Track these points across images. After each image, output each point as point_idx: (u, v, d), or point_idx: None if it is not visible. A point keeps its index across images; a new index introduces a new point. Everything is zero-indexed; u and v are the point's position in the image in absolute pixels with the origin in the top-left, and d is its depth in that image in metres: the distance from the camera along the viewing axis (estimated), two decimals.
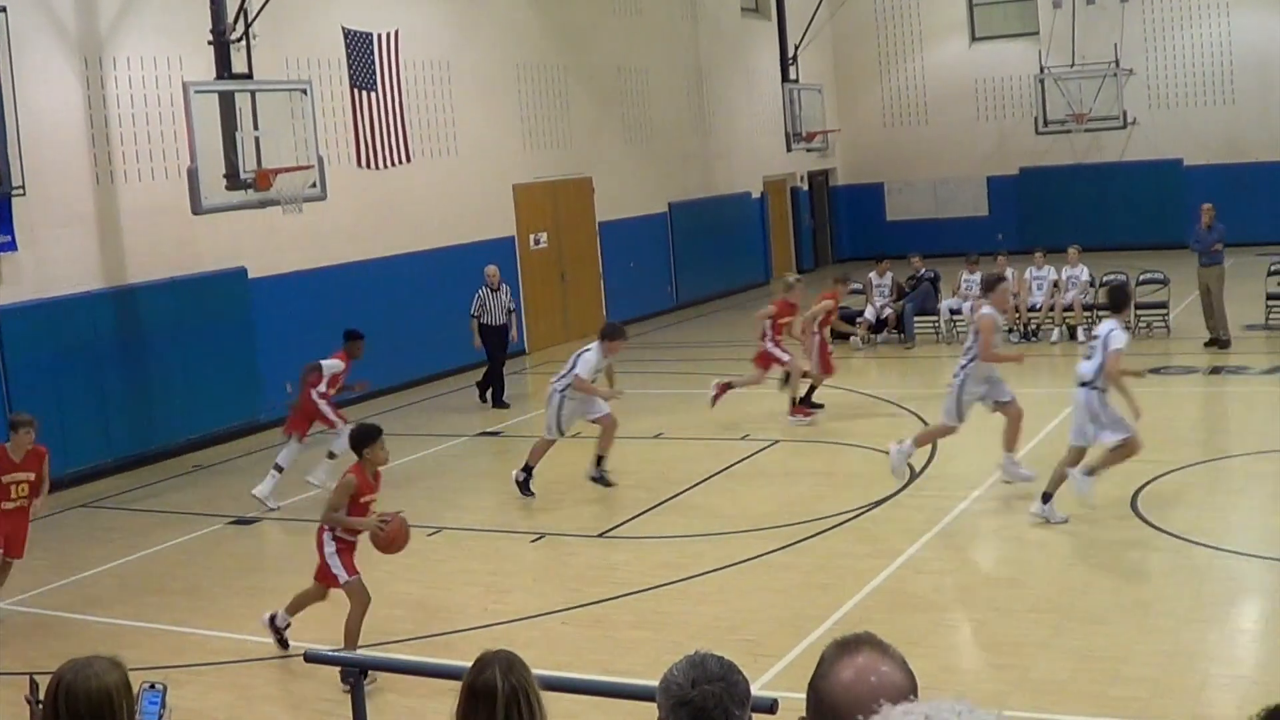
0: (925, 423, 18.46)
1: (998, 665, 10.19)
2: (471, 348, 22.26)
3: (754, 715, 3.72)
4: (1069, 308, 24.67)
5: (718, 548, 13.52)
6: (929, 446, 16.01)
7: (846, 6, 39.03)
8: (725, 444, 18.04)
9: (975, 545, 13.69)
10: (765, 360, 19.45)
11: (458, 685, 4.75)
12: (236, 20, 19.14)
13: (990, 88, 39.97)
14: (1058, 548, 12.93)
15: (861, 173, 42.14)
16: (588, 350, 15.98)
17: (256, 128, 18.73)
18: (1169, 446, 14.47)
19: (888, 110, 41.58)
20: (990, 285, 15.18)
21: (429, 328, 23.94)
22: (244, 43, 19.26)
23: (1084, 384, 13.36)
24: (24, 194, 17.47)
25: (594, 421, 16.08)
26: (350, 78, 23.18)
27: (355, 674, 7.71)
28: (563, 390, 15.92)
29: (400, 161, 24.28)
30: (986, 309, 14.83)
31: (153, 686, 4.93)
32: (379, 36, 23.60)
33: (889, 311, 26.07)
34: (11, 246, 17.60)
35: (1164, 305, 24.63)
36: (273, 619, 11.23)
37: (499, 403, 21.96)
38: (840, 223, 42.31)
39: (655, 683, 3.60)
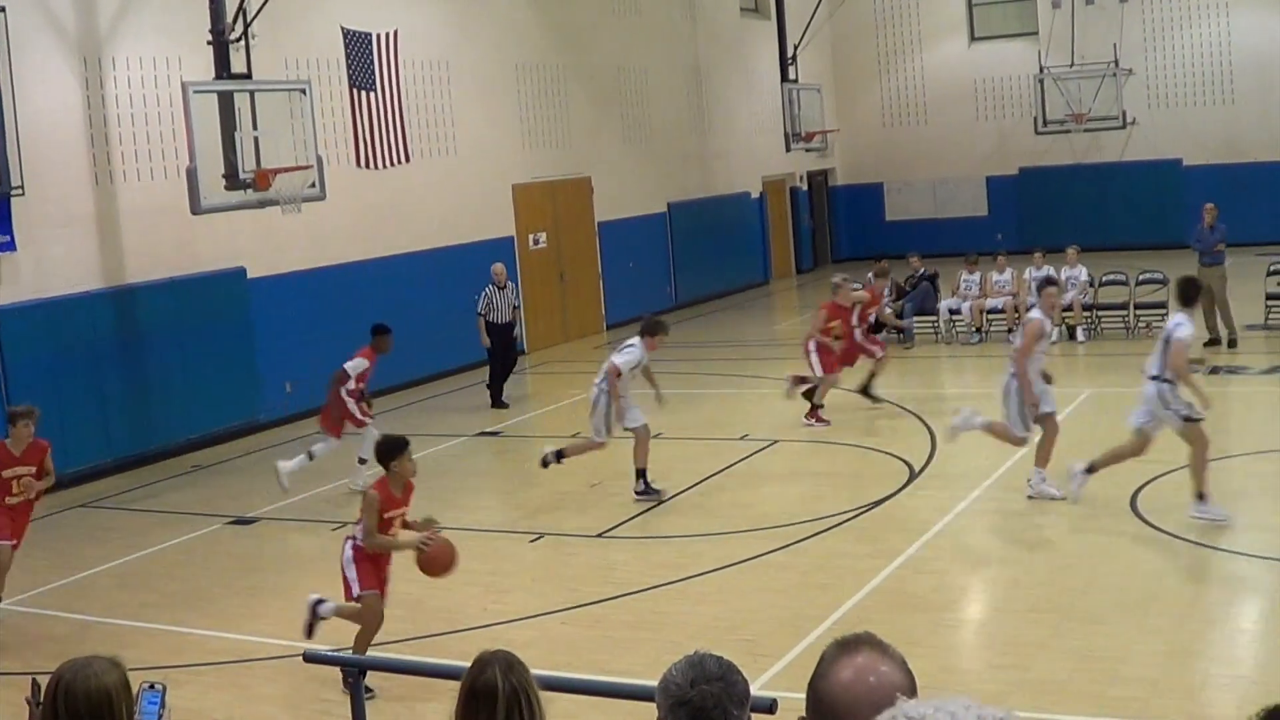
0: (926, 423, 18.48)
1: (997, 665, 10.19)
2: (469, 346, 22.28)
3: (753, 715, 3.72)
4: (1068, 308, 24.65)
5: (717, 548, 13.52)
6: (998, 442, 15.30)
7: (846, 6, 39.03)
8: (724, 444, 18.04)
9: (974, 545, 13.68)
10: (840, 357, 19.40)
11: (456, 686, 4.75)
12: (235, 20, 19.14)
13: (989, 88, 39.97)
14: (1057, 548, 12.93)
15: (861, 173, 42.13)
16: (629, 345, 15.65)
17: (256, 128, 18.72)
18: (1168, 446, 14.41)
19: (887, 110, 41.57)
20: (1038, 287, 15.03)
21: (428, 328, 23.93)
22: (243, 43, 19.26)
23: (1153, 377, 13.25)
24: (23, 194, 17.47)
25: (628, 430, 15.67)
26: (349, 78, 23.18)
27: (355, 674, 7.71)
28: (607, 390, 15.50)
29: (399, 161, 24.28)
30: (1034, 312, 14.70)
31: (152, 686, 4.92)
32: (378, 36, 23.60)
33: (888, 311, 26.04)
34: (10, 247, 17.60)
35: (1163, 305, 24.59)
36: (318, 603, 10.78)
37: (498, 403, 21.94)
38: (839, 223, 42.30)
39: (654, 683, 3.60)
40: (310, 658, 8.51)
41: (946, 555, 13.15)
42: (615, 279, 30.74)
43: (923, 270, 26.83)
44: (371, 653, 10.27)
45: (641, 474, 15.66)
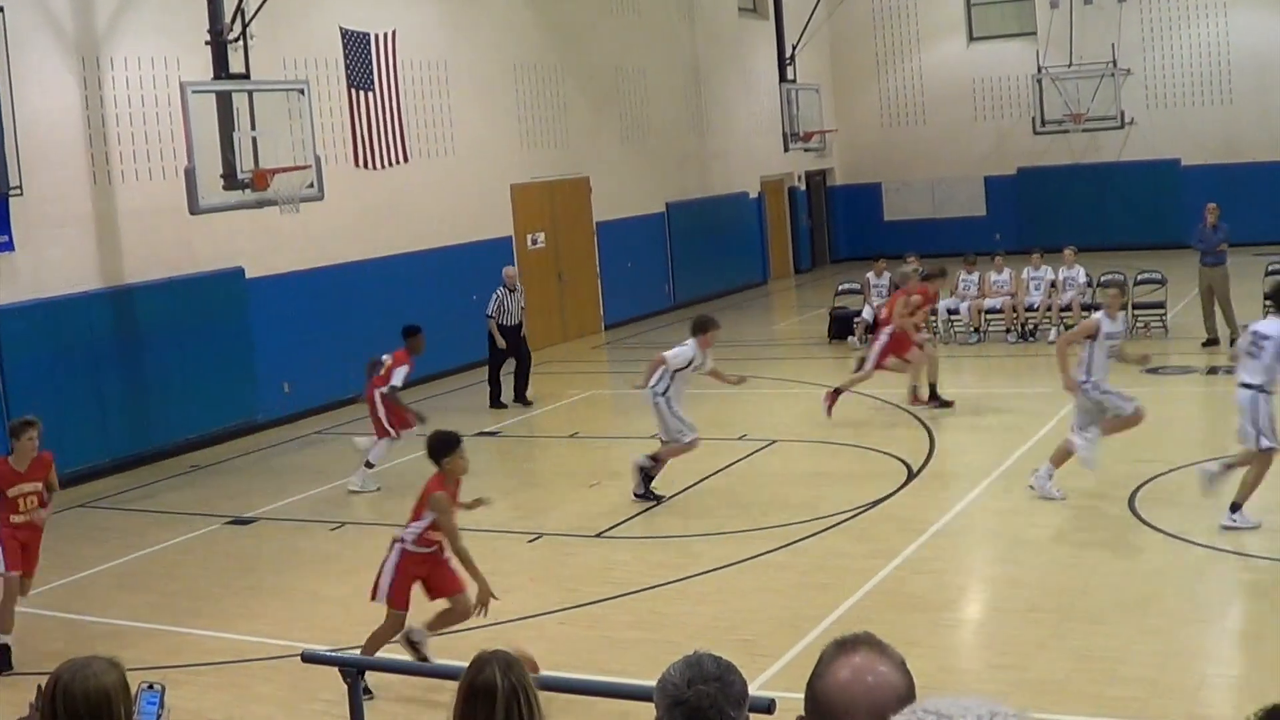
0: (924, 423, 18.49)
1: (996, 665, 10.19)
2: (466, 346, 22.33)
3: (752, 715, 3.72)
4: (1066, 308, 24.67)
5: (715, 548, 13.52)
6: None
7: (844, 6, 39.04)
8: (722, 444, 18.03)
9: (973, 545, 13.69)
10: (904, 345, 19.21)
11: (454, 686, 4.75)
12: (234, 20, 19.15)
13: (988, 88, 39.96)
14: (1056, 548, 12.93)
15: (859, 173, 42.13)
16: (681, 345, 15.53)
17: (254, 128, 18.74)
18: (1166, 446, 14.47)
19: (885, 110, 41.57)
20: (1100, 286, 14.92)
21: (426, 328, 23.85)
22: (241, 42, 19.27)
23: (1248, 385, 12.67)
24: (21, 194, 17.47)
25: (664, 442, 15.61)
26: (348, 78, 23.17)
27: (353, 674, 7.71)
28: (663, 393, 15.33)
29: (398, 161, 24.28)
30: (1097, 314, 14.53)
31: (150, 687, 4.92)
32: (376, 36, 23.60)
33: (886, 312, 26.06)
34: (9, 247, 17.59)
35: (1161, 305, 24.64)
36: (410, 635, 10.47)
37: (495, 403, 21.95)
38: (837, 223, 42.30)
39: (653, 683, 3.60)
40: (308, 658, 8.51)
41: (945, 555, 13.15)
42: (613, 279, 30.74)
43: (921, 271, 26.82)
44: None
45: (649, 477, 15.58)
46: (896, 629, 10.11)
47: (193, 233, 19.92)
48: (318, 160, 19.19)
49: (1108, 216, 37.29)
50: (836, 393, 18.92)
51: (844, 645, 3.08)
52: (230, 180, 18.29)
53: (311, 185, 19.09)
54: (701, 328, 15.47)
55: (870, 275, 26.68)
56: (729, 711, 3.51)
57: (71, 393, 18.44)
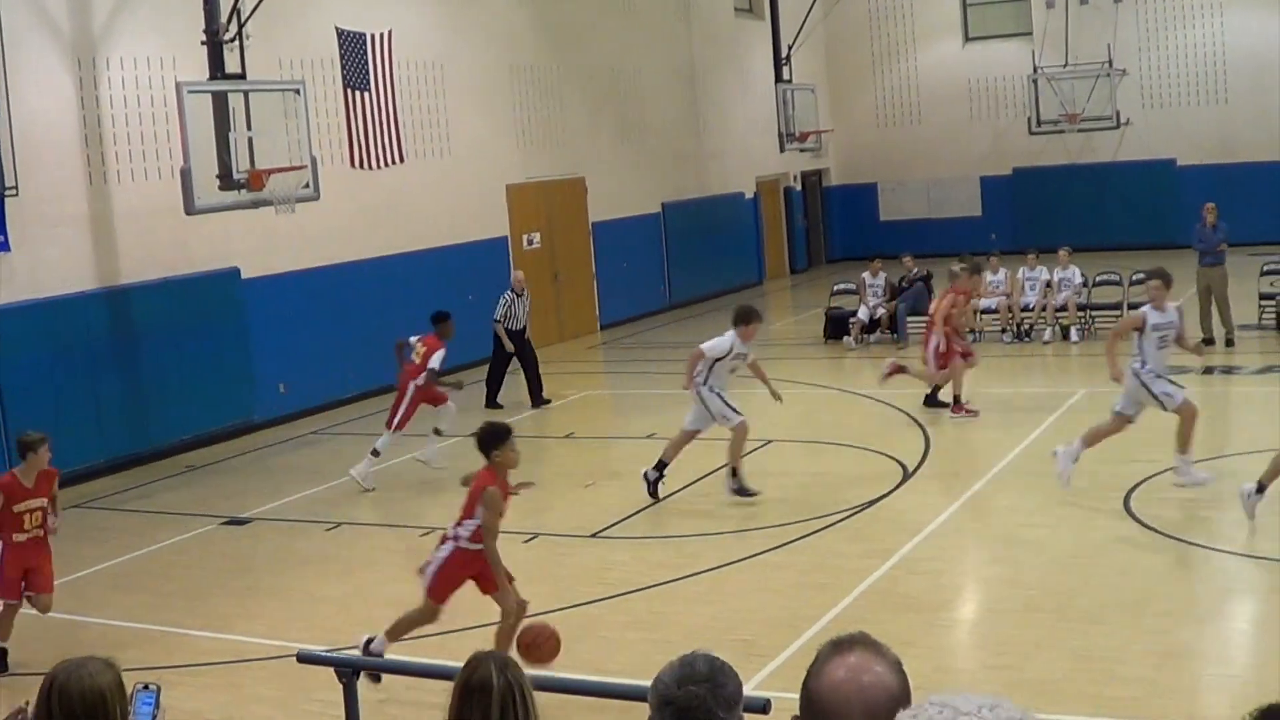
0: (919, 423, 18.48)
1: (992, 665, 10.20)
2: (463, 346, 22.21)
3: (747, 715, 3.73)
4: (1061, 308, 24.71)
5: (712, 548, 13.52)
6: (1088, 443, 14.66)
7: (840, 6, 39.05)
8: (718, 444, 17.99)
9: (969, 544, 13.70)
10: (950, 353, 19.08)
11: (449, 686, 4.76)
12: (230, 20, 19.14)
13: (984, 88, 39.98)
14: (1052, 547, 12.93)
15: (855, 173, 42.15)
16: (720, 336, 15.36)
17: (250, 128, 18.72)
18: (1162, 446, 14.44)
19: (881, 110, 41.58)
20: (1145, 280, 14.77)
21: (422, 328, 23.84)
22: (237, 43, 19.26)
23: None
24: (17, 194, 17.47)
25: (688, 431, 15.52)
26: (344, 78, 23.15)
27: (349, 674, 7.70)
28: (704, 382, 15.18)
29: (394, 162, 24.26)
30: (1144, 307, 14.44)
31: (146, 687, 4.93)
32: (372, 37, 23.58)
33: (882, 311, 26.10)
34: (5, 247, 17.57)
35: None
36: (368, 641, 10.31)
37: (491, 403, 21.93)
38: (833, 223, 42.31)
39: (648, 683, 3.60)
40: (304, 658, 8.50)
41: (941, 555, 13.16)
42: (609, 279, 30.74)
43: (916, 270, 26.86)
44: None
45: (661, 465, 15.47)
46: (892, 629, 10.10)
47: (189, 233, 19.91)
48: (314, 160, 19.19)
49: (1103, 217, 37.31)
50: (901, 368, 19.12)
51: (839, 645, 3.09)
52: (226, 180, 18.28)
53: (307, 185, 19.09)
54: (744, 318, 15.21)
55: (866, 275, 26.69)
56: (718, 713, 3.51)
57: (68, 393, 18.43)
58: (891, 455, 16.76)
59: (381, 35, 23.76)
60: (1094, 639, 10.36)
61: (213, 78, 18.98)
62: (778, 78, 37.09)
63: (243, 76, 19.19)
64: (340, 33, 23.02)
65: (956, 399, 18.90)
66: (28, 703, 4.92)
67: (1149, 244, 34.05)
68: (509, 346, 21.91)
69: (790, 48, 37.27)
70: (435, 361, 17.27)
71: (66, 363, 18.50)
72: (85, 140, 19.01)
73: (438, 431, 17.49)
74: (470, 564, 10.16)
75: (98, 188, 19.18)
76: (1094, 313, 25.20)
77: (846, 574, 12.35)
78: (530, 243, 28.17)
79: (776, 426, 18.86)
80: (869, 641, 3.09)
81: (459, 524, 10.20)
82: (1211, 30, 37.01)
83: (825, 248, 42.04)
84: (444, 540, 10.28)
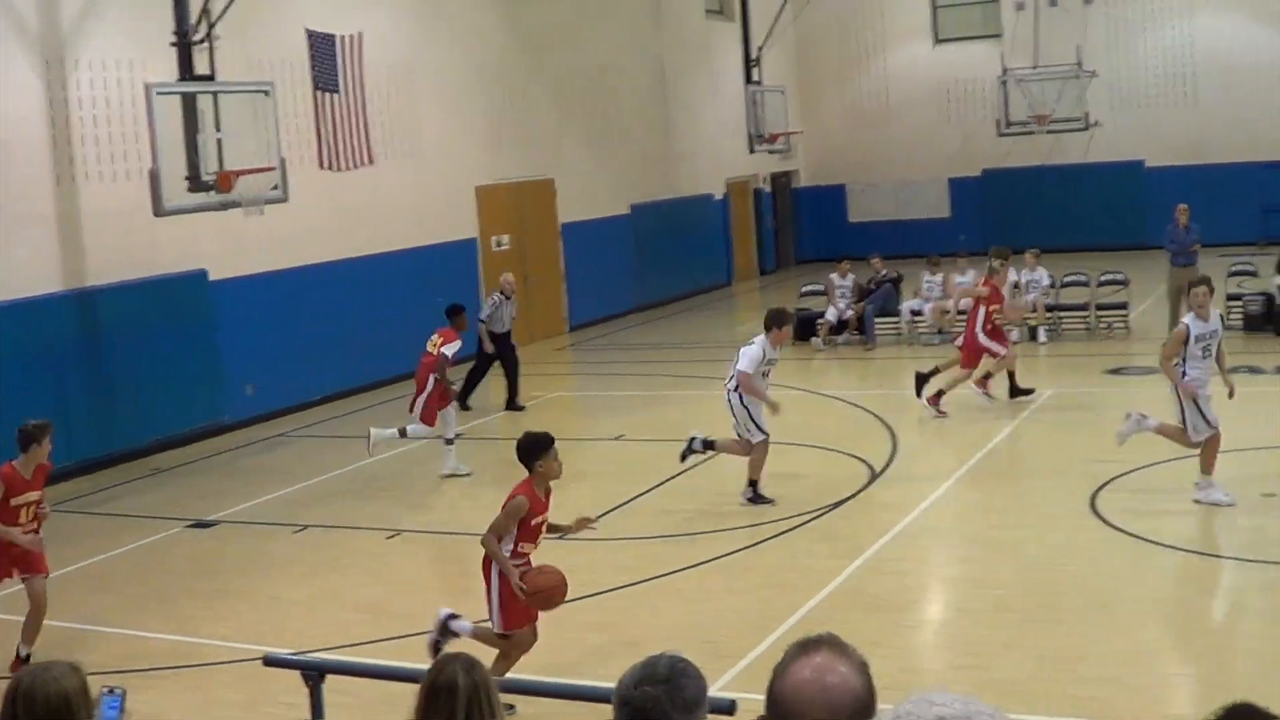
0: (887, 424, 18.52)
1: (960, 666, 10.23)
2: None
3: (712, 716, 3.74)
4: (1030, 310, 24.79)
5: (678, 549, 13.53)
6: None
7: (810, 8, 39.09)
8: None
9: (937, 545, 13.75)
10: (975, 354, 19.11)
11: (415, 688, 4.77)
12: (199, 22, 19.09)
13: (953, 90, 40.08)
14: (1019, 548, 12.98)
15: (824, 174, 42.22)
16: (750, 344, 15.08)
17: (219, 129, 18.66)
18: (1127, 448, 14.51)
19: (851, 112, 41.66)
20: (1188, 289, 14.30)
21: (391, 330, 23.85)
22: (206, 44, 19.22)
23: None
24: None
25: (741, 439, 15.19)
26: (313, 79, 23.09)
27: (315, 677, 7.69)
28: (735, 389, 14.93)
29: (363, 163, 24.20)
30: (1186, 317, 14.14)
31: (111, 691, 4.92)
32: (342, 39, 23.52)
33: (850, 313, 26.15)
34: None
35: (1124, 306, 24.80)
36: (450, 617, 10.04)
37: (462, 405, 21.88)
38: (802, 224, 42.36)
39: (613, 685, 3.62)
40: (270, 661, 8.49)
41: (909, 555, 13.21)
42: (579, 280, 30.73)
43: (885, 272, 26.92)
44: (330, 656, 10.24)
45: (753, 483, 15.10)
46: (860, 629, 10.13)
47: (157, 234, 19.82)
48: (282, 162, 19.15)
49: (1073, 218, 37.44)
50: (940, 394, 18.93)
51: (806, 646, 3.10)
52: (195, 182, 18.23)
53: (276, 187, 19.05)
54: (776, 322, 14.97)
55: (834, 276, 26.73)
56: (673, 715, 3.53)
57: (35, 395, 18.28)
58: (859, 456, 16.80)
59: (351, 37, 23.71)
60: (1061, 639, 10.41)
61: (182, 79, 18.94)
62: (748, 79, 37.16)
63: (212, 78, 19.15)
64: (310, 34, 22.96)
65: (983, 379, 19.08)
66: None
67: (1118, 245, 34.22)
68: (488, 347, 21.85)
69: (760, 49, 37.34)
70: (449, 350, 17.17)
71: (33, 365, 18.40)
72: (54, 141, 18.92)
73: (402, 433, 17.35)
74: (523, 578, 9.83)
75: (65, 188, 19.09)
76: (1061, 314, 25.29)
77: (814, 574, 12.38)
78: (499, 244, 28.13)
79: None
80: (835, 642, 3.11)
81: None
82: (1181, 33, 37.20)
83: (794, 249, 42.08)
84: (488, 564, 9.91)
